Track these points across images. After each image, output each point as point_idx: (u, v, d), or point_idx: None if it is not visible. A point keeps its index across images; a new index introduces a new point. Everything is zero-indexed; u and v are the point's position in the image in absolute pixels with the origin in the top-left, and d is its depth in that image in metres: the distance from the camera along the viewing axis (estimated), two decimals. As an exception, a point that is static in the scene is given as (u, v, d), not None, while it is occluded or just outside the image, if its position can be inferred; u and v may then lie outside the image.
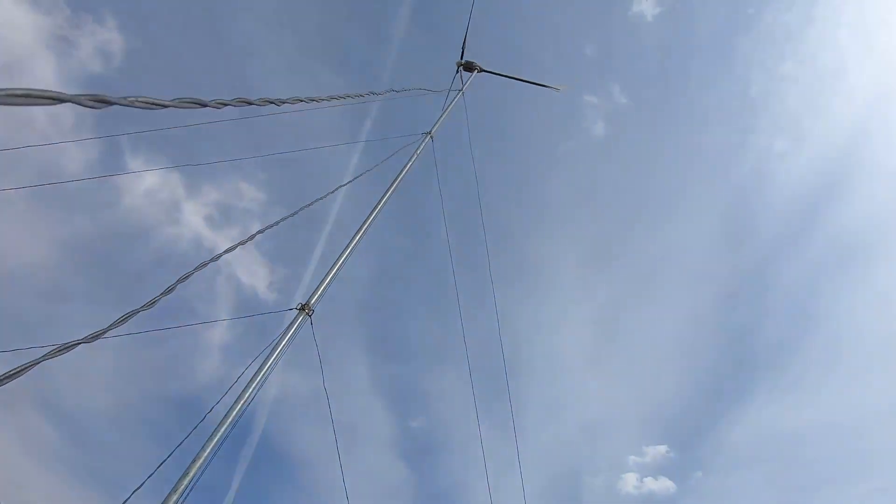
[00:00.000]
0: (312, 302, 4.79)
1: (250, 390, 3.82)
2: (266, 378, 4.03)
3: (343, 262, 5.45)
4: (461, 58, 12.63)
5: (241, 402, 3.73)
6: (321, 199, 5.55)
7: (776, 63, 31.18)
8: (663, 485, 26.57)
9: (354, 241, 5.65)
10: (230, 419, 3.63)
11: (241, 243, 4.39)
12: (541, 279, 32.84)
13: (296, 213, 5.14)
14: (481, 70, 12.75)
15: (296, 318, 4.54)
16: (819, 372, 29.60)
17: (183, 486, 3.18)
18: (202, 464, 3.31)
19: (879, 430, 28.02)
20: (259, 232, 4.59)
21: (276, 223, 4.88)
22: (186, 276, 3.48)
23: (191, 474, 3.22)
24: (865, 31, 29.63)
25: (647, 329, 32.70)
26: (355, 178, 6.27)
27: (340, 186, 5.92)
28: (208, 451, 3.39)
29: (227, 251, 4.15)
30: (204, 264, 3.71)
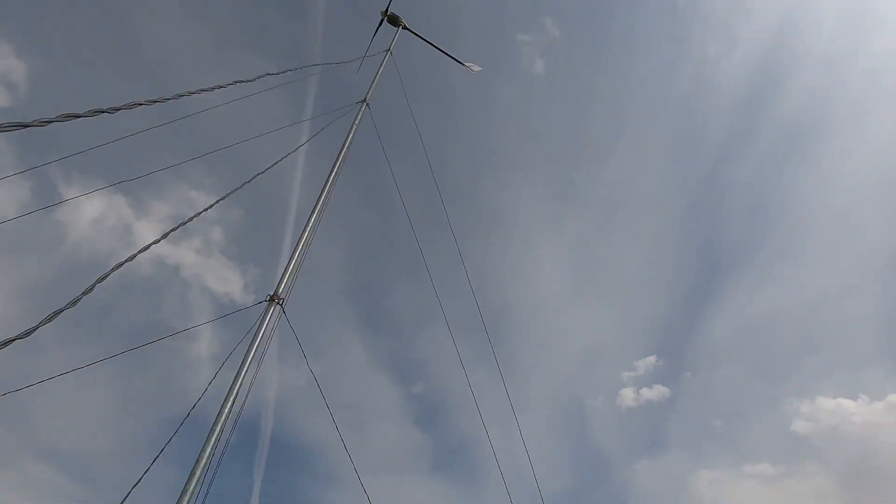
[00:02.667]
0: (281, 290, 4.81)
1: (237, 387, 3.88)
2: (249, 372, 4.09)
3: (304, 245, 5.45)
4: (387, 9, 12.08)
5: (231, 399, 3.79)
6: (248, 182, 5.56)
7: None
8: (658, 392, 28.26)
9: (310, 223, 5.63)
10: (223, 417, 3.70)
11: (164, 236, 4.53)
12: (511, 225, 33.26)
13: (226, 196, 5.21)
14: (405, 27, 12.33)
15: (267, 310, 4.57)
16: (780, 258, 31.36)
17: (192, 487, 3.27)
18: (206, 462, 3.40)
19: (838, 300, 30.09)
20: (188, 220, 4.67)
21: (209, 207, 4.99)
22: (104, 277, 3.87)
23: (196, 474, 3.30)
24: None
25: (621, 252, 33.79)
26: (286, 155, 6.27)
27: (276, 163, 5.94)
28: (209, 449, 3.47)
29: (153, 243, 4.33)
30: (119, 264, 4.11)
